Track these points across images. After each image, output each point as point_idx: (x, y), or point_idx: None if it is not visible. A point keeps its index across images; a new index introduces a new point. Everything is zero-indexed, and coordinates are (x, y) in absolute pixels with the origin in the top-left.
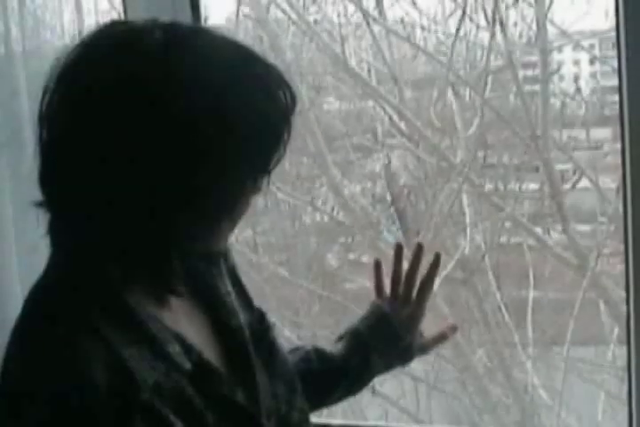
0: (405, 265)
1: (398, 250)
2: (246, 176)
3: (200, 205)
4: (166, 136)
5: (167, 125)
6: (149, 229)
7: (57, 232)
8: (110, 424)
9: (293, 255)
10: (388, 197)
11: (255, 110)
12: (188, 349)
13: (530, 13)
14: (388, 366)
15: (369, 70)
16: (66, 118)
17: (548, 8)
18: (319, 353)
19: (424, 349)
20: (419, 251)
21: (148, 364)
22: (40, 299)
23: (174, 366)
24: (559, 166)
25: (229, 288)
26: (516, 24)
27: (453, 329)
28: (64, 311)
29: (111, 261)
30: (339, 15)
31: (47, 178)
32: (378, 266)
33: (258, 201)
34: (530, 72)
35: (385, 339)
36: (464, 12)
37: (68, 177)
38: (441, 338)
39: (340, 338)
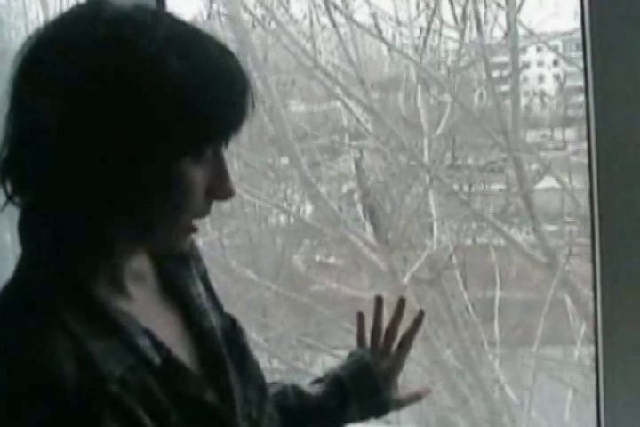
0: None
1: (378, 303)
2: (196, 156)
3: (155, 187)
4: (132, 123)
5: (132, 114)
6: (117, 216)
7: (24, 229)
8: (80, 418)
9: (260, 257)
10: (356, 198)
11: (209, 89)
12: (157, 345)
13: (498, 13)
14: (362, 417)
15: (336, 71)
16: (46, 107)
17: (519, 9)
18: (296, 390)
19: (399, 404)
20: (400, 305)
21: (116, 357)
22: (8, 295)
23: (143, 360)
24: (525, 166)
25: (201, 291)
26: (481, 24)
27: (427, 391)
28: (31, 306)
29: (76, 253)
30: (303, 17)
31: (20, 173)
32: (361, 317)
33: (223, 203)
34: (496, 73)
35: (365, 390)
36: (434, 12)
37: (39, 171)
38: (415, 398)
39: (319, 380)
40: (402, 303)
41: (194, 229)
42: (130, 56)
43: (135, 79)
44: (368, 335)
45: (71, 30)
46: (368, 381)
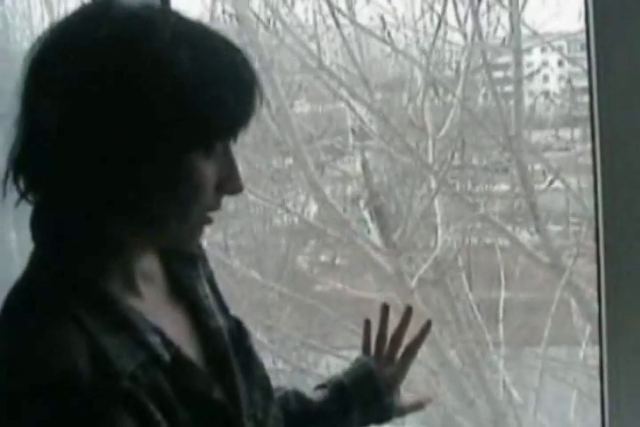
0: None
1: (384, 310)
2: (207, 150)
3: (168, 184)
4: (141, 120)
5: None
6: (124, 214)
7: (35, 226)
8: (94, 413)
9: (264, 258)
10: (362, 200)
11: (217, 86)
12: (167, 342)
13: (501, 14)
14: (364, 423)
15: (340, 72)
16: (55, 107)
17: (522, 9)
18: (298, 396)
19: (401, 412)
20: (407, 314)
21: (128, 353)
22: (20, 292)
23: (153, 357)
24: (529, 167)
25: (207, 292)
26: (488, 24)
27: (429, 400)
28: (42, 302)
29: (76, 253)
30: (308, 18)
31: (31, 171)
32: (367, 324)
33: (228, 204)
34: (500, 73)
35: (367, 396)
36: (443, 12)
37: (51, 170)
38: (417, 406)
39: (322, 386)
40: (409, 311)
41: (208, 221)
42: (138, 55)
43: (143, 78)
44: (374, 342)
45: (79, 30)
46: (370, 387)
